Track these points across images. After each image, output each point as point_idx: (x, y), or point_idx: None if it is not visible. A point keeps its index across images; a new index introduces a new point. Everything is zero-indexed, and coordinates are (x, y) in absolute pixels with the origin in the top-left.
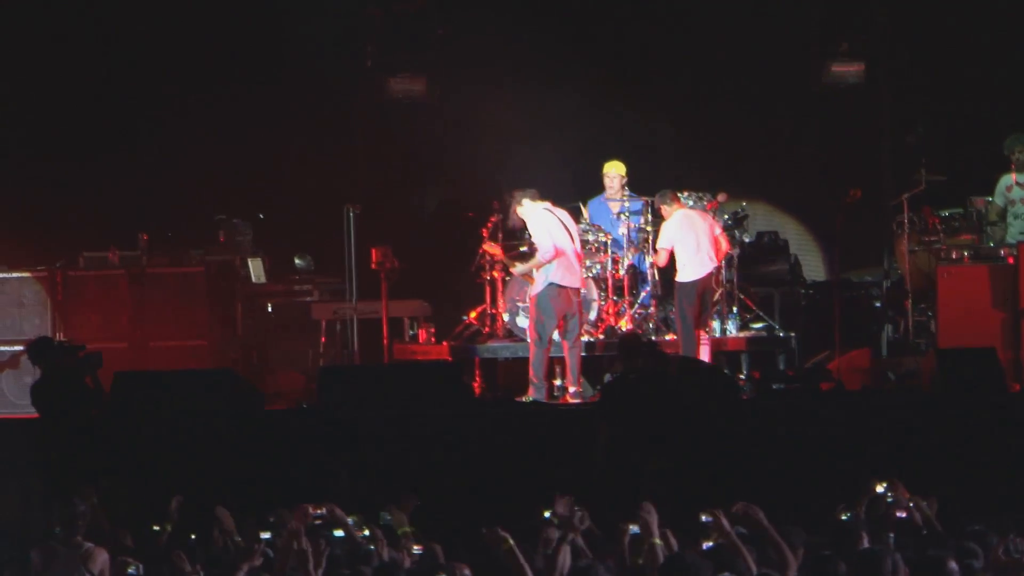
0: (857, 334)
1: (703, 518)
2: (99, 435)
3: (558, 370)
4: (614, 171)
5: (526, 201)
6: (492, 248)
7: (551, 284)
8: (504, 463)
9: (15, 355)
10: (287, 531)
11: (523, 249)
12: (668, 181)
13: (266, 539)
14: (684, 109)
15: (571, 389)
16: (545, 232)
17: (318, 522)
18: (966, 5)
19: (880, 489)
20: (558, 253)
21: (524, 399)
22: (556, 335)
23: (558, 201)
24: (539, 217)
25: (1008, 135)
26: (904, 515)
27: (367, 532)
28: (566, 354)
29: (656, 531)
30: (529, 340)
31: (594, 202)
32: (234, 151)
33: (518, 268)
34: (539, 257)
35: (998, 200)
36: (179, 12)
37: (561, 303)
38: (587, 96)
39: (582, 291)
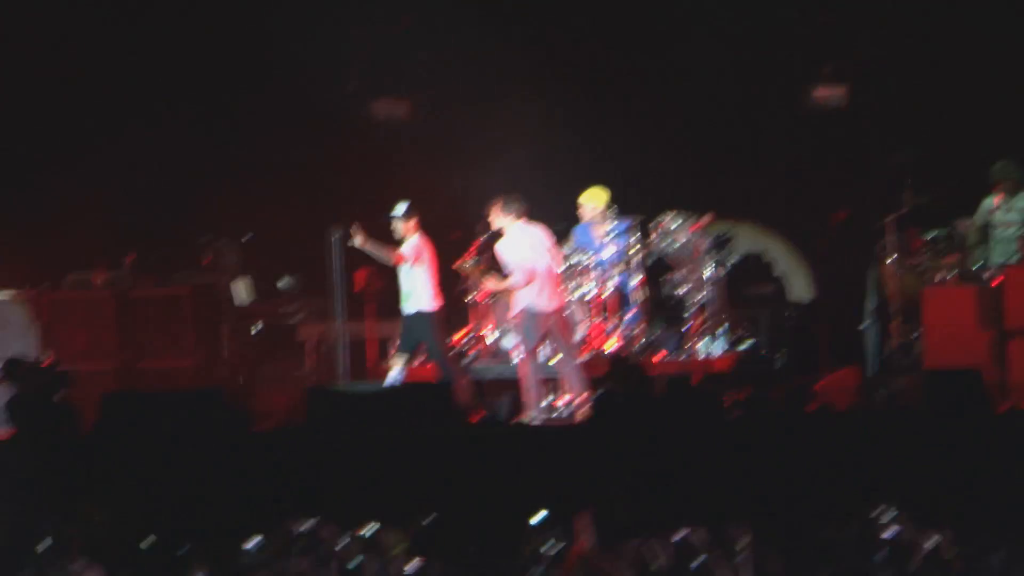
0: (843, 354)
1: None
2: (85, 456)
3: (545, 390)
4: (586, 201)
5: (511, 217)
6: (461, 267)
7: (525, 308)
8: (493, 482)
9: None
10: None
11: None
12: (655, 202)
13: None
14: (670, 131)
15: (577, 401)
16: (518, 254)
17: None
18: (950, 27)
19: (874, 514)
20: (531, 277)
21: (521, 420)
22: (545, 355)
23: (544, 223)
24: (514, 237)
25: (992, 158)
26: (890, 535)
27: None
28: (562, 368)
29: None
30: (517, 361)
31: (579, 229)
32: (220, 172)
33: (491, 284)
34: (511, 281)
35: (978, 220)
36: (165, 34)
37: (537, 325)
38: (574, 118)
39: (567, 312)
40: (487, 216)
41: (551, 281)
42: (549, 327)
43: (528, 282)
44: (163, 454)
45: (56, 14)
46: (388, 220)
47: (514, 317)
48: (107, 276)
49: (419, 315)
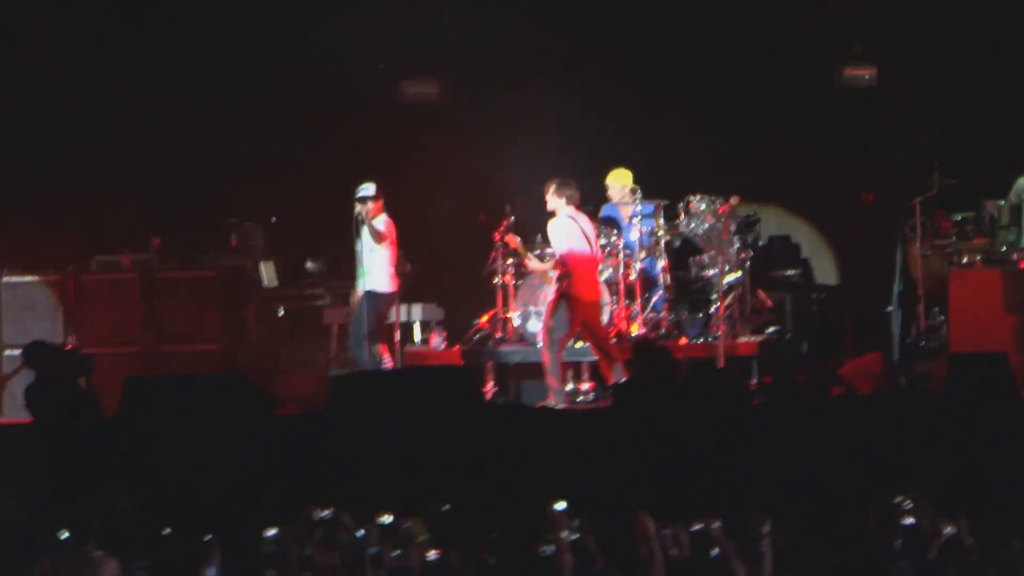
0: (869, 338)
1: (694, 527)
2: (107, 440)
3: (570, 374)
4: (613, 182)
5: (564, 200)
6: (511, 240)
7: (563, 294)
8: (516, 468)
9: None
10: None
11: (539, 252)
12: (682, 184)
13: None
14: (698, 113)
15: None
16: (565, 240)
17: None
18: (979, 8)
19: (897, 500)
20: (575, 264)
21: (545, 404)
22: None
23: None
24: (563, 223)
25: (1021, 138)
26: (912, 521)
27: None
28: (596, 355)
29: (654, 538)
30: (541, 344)
31: (606, 209)
32: (247, 154)
33: (533, 263)
34: (554, 263)
35: (1013, 198)
36: (194, 14)
37: (575, 314)
38: (601, 99)
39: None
40: (544, 194)
41: (593, 272)
42: (584, 317)
43: (571, 268)
44: (185, 438)
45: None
46: (356, 200)
47: (550, 302)
48: (133, 259)
49: (370, 294)
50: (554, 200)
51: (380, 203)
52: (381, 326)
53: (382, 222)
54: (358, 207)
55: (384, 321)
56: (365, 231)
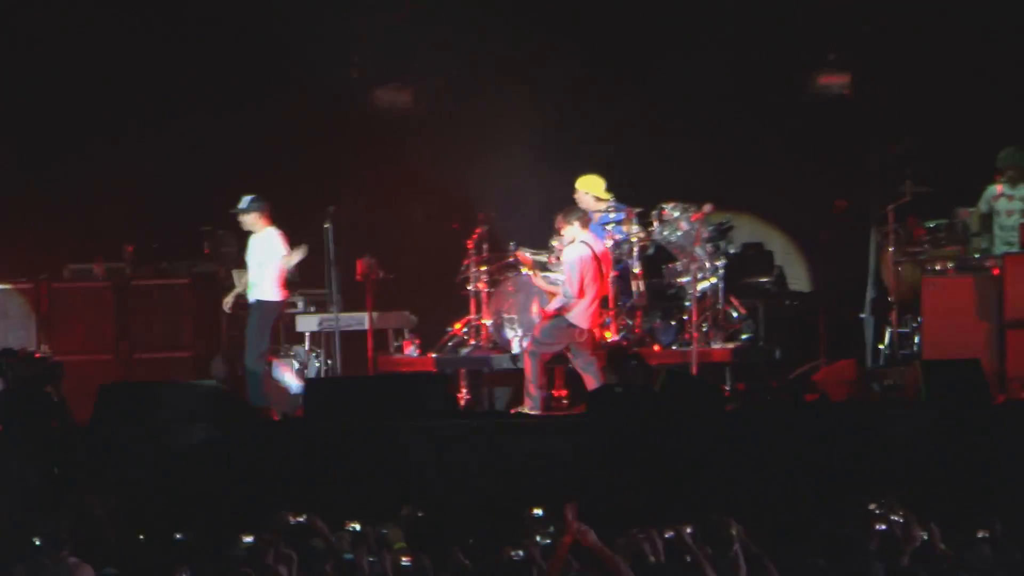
0: (842, 345)
1: (666, 534)
2: (84, 446)
3: (545, 380)
4: (582, 188)
5: (576, 225)
6: (522, 256)
7: (562, 318)
8: (489, 474)
9: None
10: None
11: (542, 259)
12: (655, 192)
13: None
14: (671, 120)
15: None
16: (577, 271)
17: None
18: (952, 16)
19: (871, 506)
20: (581, 296)
21: (520, 410)
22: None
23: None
24: (577, 252)
25: (993, 147)
26: (885, 527)
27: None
28: (581, 373)
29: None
30: (523, 351)
31: None
32: (219, 162)
33: (539, 279)
34: (561, 293)
35: (982, 206)
36: (165, 24)
37: (565, 338)
38: (574, 107)
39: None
40: (558, 232)
41: (596, 302)
42: (572, 341)
43: (577, 298)
44: (159, 445)
45: (55, 12)
46: (235, 215)
47: (545, 316)
48: (106, 267)
49: (258, 303)
50: (568, 229)
51: (266, 215)
52: (274, 335)
53: (274, 235)
54: (241, 218)
55: (276, 331)
56: (253, 243)
